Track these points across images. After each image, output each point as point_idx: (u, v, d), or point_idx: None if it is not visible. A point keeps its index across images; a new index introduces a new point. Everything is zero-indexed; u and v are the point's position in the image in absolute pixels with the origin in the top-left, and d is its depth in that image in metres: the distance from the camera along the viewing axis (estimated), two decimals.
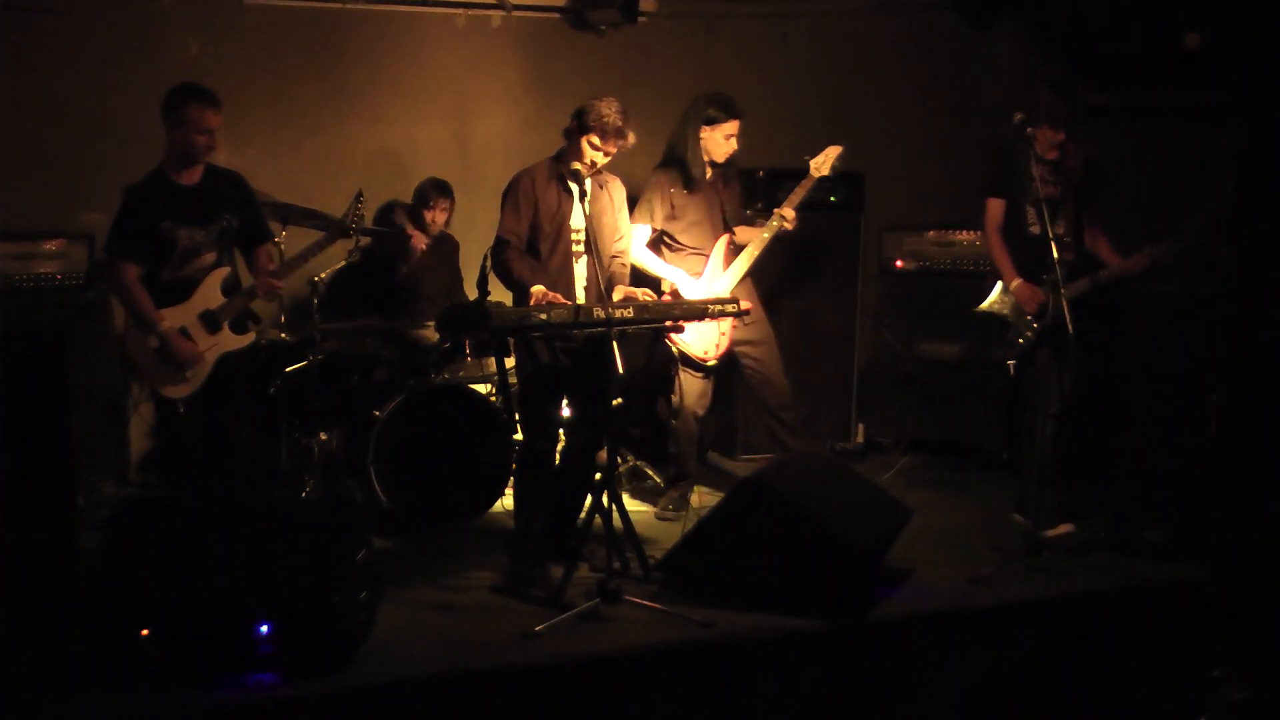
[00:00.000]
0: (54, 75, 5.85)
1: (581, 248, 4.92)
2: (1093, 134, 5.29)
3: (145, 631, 3.64)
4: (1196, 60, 5.93)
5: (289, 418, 5.39)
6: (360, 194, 5.16)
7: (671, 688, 4.00)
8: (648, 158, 5.46)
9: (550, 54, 6.66)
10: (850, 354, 6.75)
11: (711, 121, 5.36)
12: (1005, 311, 5.24)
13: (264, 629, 3.67)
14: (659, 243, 5.50)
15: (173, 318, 4.72)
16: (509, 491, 5.28)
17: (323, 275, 5.41)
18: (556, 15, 6.64)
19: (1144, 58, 6.16)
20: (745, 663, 4.10)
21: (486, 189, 5.70)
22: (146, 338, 4.69)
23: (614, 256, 5.09)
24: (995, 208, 5.27)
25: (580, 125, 4.78)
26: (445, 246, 6.13)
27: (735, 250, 5.48)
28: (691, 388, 5.49)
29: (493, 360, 5.54)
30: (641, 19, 6.58)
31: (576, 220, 4.89)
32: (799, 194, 5.43)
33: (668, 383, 5.66)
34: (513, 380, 5.18)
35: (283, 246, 5.32)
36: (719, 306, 4.86)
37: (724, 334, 5.40)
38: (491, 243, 4.88)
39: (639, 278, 5.28)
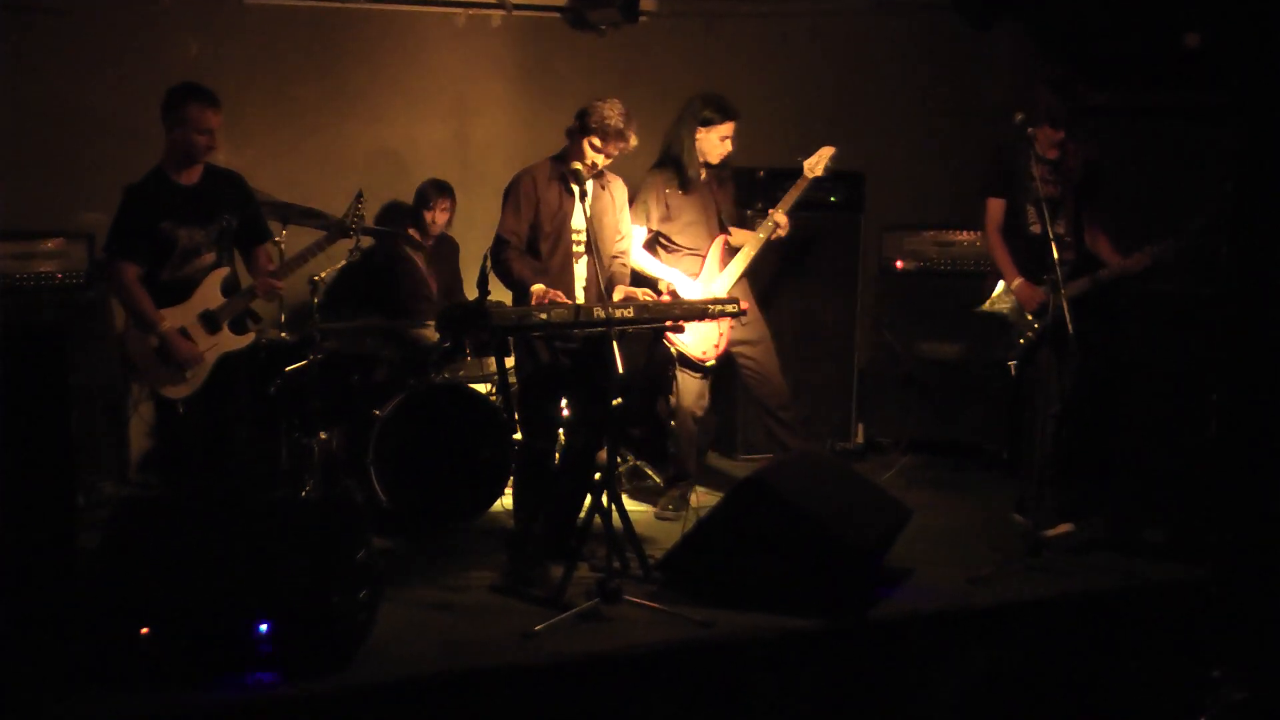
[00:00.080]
0: (54, 75, 5.85)
1: (582, 248, 4.92)
2: (1093, 134, 5.29)
3: (145, 631, 3.64)
4: (1196, 60, 5.93)
5: (289, 417, 5.39)
6: (360, 194, 5.16)
7: (671, 688, 4.00)
8: (648, 158, 5.45)
9: (550, 54, 6.66)
10: (850, 354, 6.75)
11: (707, 123, 5.36)
12: (1006, 311, 5.25)
13: (264, 628, 3.67)
14: (654, 244, 5.50)
15: (172, 318, 4.72)
16: (509, 491, 5.28)
17: (323, 275, 5.40)
18: (557, 15, 6.64)
19: (1144, 58, 6.16)
20: (745, 663, 4.10)
21: (486, 189, 5.71)
22: (146, 338, 4.69)
23: (614, 257, 5.09)
24: (995, 207, 5.28)
25: (582, 126, 4.78)
26: (445, 247, 6.13)
27: (731, 251, 5.48)
28: (689, 388, 5.49)
29: (493, 360, 5.55)
30: (641, 19, 6.57)
31: (578, 220, 4.89)
32: (793, 195, 5.45)
33: (667, 383, 5.66)
34: (513, 380, 5.19)
35: (283, 246, 5.32)
36: (719, 306, 4.86)
37: (722, 334, 5.40)
38: (491, 242, 4.88)
39: (636, 278, 5.28)
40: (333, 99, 6.35)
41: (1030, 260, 5.08)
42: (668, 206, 5.43)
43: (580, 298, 4.88)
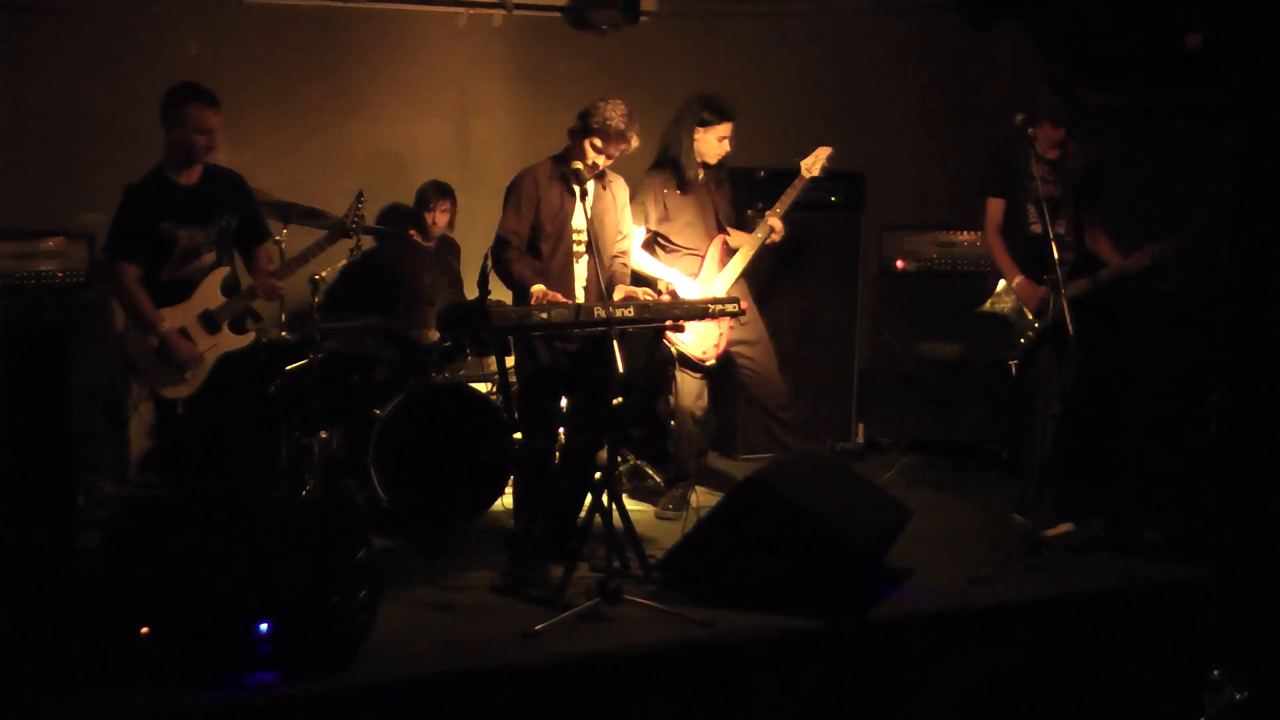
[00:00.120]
0: (54, 75, 5.85)
1: (583, 248, 4.92)
2: (1093, 134, 5.29)
3: (145, 631, 3.64)
4: (1196, 60, 5.93)
5: (289, 417, 5.39)
6: (361, 194, 5.16)
7: (671, 688, 4.00)
8: (648, 158, 5.45)
9: (551, 53, 6.66)
10: (850, 354, 6.75)
11: (705, 124, 5.36)
12: (1006, 311, 5.25)
13: (264, 628, 3.68)
14: (653, 244, 5.50)
15: (172, 318, 4.72)
16: (509, 491, 5.28)
17: (323, 275, 5.40)
18: (557, 15, 6.64)
19: (1144, 58, 6.16)
20: (745, 663, 4.10)
21: (487, 189, 5.71)
22: (146, 338, 4.69)
23: (615, 257, 5.09)
24: (995, 207, 5.28)
25: (584, 126, 4.78)
26: (446, 249, 6.13)
27: (729, 251, 5.48)
28: (688, 388, 5.49)
29: (493, 359, 5.55)
30: (642, 19, 6.58)
31: (579, 220, 4.89)
32: (790, 196, 5.46)
33: (667, 383, 5.66)
34: (513, 380, 5.18)
35: (283, 246, 5.32)
36: (719, 306, 4.86)
37: (722, 334, 5.40)
38: (492, 242, 4.88)
39: (635, 278, 5.28)
40: (333, 99, 6.35)
41: (1030, 260, 5.08)
42: (666, 207, 5.43)
43: (580, 297, 4.88)
